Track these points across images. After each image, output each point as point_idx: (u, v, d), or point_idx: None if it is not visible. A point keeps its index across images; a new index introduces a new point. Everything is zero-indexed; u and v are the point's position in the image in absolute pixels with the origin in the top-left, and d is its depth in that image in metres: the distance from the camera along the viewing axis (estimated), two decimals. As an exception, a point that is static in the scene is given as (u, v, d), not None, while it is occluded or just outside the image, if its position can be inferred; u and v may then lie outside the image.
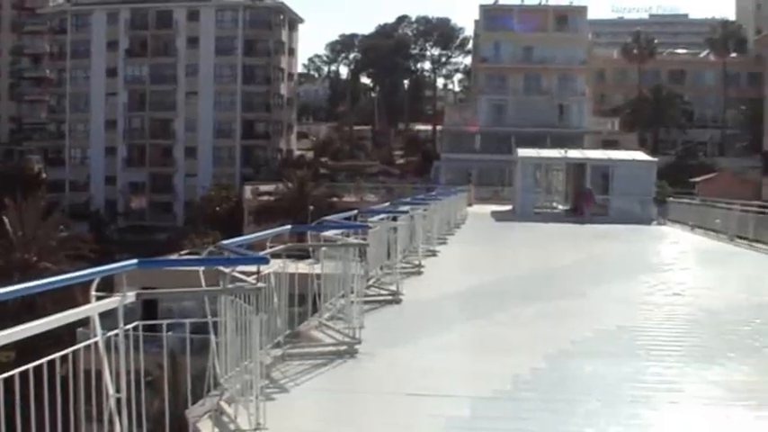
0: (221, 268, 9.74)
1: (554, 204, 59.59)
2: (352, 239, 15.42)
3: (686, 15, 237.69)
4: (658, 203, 54.61)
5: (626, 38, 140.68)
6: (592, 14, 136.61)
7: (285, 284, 13.02)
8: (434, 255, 27.02)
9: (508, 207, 59.97)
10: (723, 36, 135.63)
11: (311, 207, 74.57)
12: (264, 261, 10.76)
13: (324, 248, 14.84)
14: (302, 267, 14.96)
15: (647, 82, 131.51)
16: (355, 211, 19.75)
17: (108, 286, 9.03)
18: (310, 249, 15.59)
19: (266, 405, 9.27)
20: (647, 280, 23.33)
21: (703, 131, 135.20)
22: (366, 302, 15.89)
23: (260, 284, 9.70)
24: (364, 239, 16.60)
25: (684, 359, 13.52)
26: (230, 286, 9.39)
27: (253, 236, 13.78)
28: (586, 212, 49.73)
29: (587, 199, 50.93)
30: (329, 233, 15.31)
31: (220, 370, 9.91)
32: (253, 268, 11.02)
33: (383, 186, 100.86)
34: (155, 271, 17.11)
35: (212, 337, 9.97)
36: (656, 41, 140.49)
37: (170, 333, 11.26)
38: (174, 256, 45.16)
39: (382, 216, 20.62)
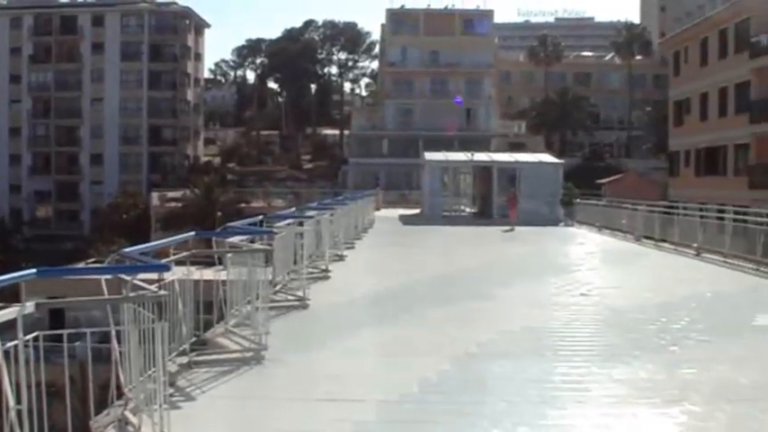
0: (123, 276, 9.63)
1: (462, 207, 59.85)
2: (257, 245, 15.37)
3: (592, 19, 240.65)
4: (565, 205, 55.17)
5: (532, 41, 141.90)
6: (498, 18, 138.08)
7: (190, 292, 12.91)
8: (342, 259, 27.02)
9: (416, 210, 60.16)
10: (628, 39, 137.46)
11: (219, 213, 74.27)
12: (165, 268, 10.64)
13: (229, 255, 14.74)
14: (208, 274, 14.86)
15: (553, 85, 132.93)
16: (261, 217, 19.68)
17: (16, 297, 8.87)
18: (215, 256, 15.49)
19: (171, 414, 9.18)
20: (555, 281, 23.58)
21: (609, 133, 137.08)
22: (273, 308, 15.82)
23: (162, 292, 9.59)
24: (270, 245, 16.55)
25: (591, 359, 13.69)
26: (131, 295, 9.27)
27: (156, 243, 13.64)
28: (514, 217, 47.26)
29: (512, 203, 48.35)
30: (234, 239, 15.24)
31: (124, 379, 9.80)
32: (158, 276, 10.94)
33: (291, 191, 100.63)
34: (63, 280, 16.91)
35: (115, 346, 9.85)
36: (562, 45, 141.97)
37: (78, 343, 11.12)
38: (80, 265, 44.63)
39: (289, 221, 20.57)
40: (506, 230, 44.06)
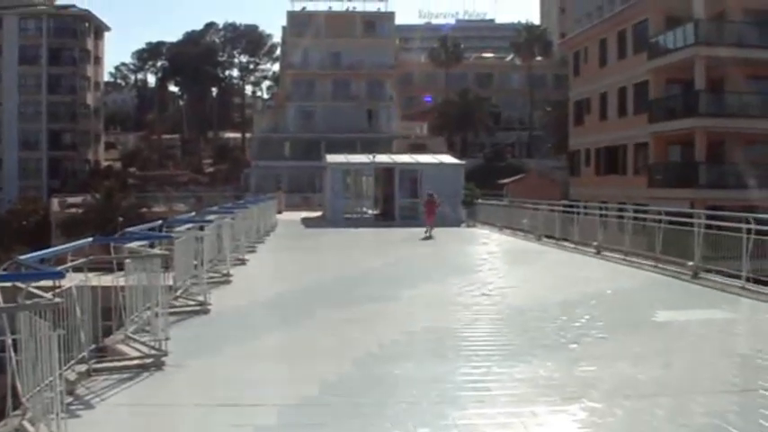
0: (18, 284, 9.50)
1: (364, 209, 59.86)
2: (155, 251, 15.23)
3: (492, 20, 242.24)
4: (467, 205, 55.48)
5: (433, 43, 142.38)
6: (399, 20, 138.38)
7: (88, 298, 12.76)
8: (243, 263, 26.95)
9: (319, 213, 60.15)
10: (528, 40, 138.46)
11: (120, 218, 73.43)
12: (60, 275, 10.52)
13: (128, 260, 14.61)
14: (107, 280, 14.74)
15: (454, 86, 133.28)
16: (160, 222, 19.52)
17: None
18: (114, 262, 15.34)
19: (70, 422, 9.12)
20: (456, 281, 23.75)
21: (511, 133, 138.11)
22: (173, 314, 15.77)
23: (57, 300, 9.48)
24: (169, 250, 16.44)
25: (492, 358, 13.80)
26: (26, 303, 9.15)
27: (54, 249, 13.43)
28: (431, 222, 43.80)
29: (430, 207, 44.85)
30: (133, 244, 15.11)
31: (22, 389, 9.66)
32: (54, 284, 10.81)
33: (193, 195, 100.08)
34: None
35: (11, 355, 9.70)
36: (462, 46, 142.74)
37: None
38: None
39: (189, 225, 20.45)
40: (424, 237, 41.87)
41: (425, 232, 42.72)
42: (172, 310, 15.85)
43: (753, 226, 21.31)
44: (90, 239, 14.90)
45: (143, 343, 13.64)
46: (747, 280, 21.42)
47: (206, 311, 17.67)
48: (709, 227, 24.17)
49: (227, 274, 22.87)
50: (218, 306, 18.06)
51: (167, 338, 13.35)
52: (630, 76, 65.26)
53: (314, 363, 13.56)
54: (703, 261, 23.96)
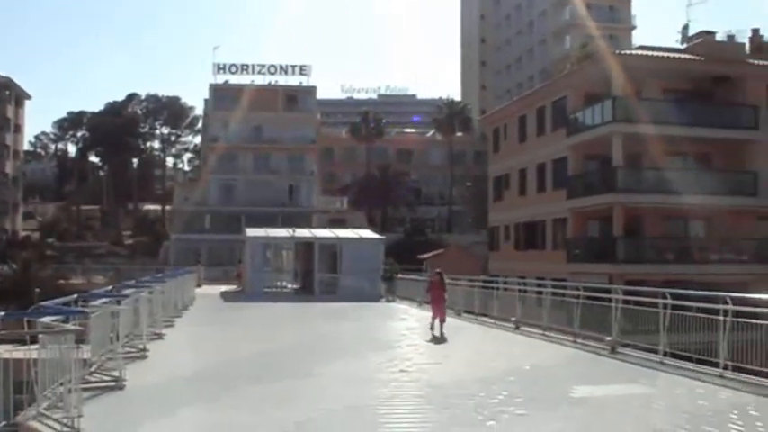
0: None
1: (284, 283, 59.65)
2: (69, 326, 14.99)
3: (414, 96, 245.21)
4: (387, 280, 55.42)
5: (355, 117, 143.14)
6: (321, 94, 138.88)
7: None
8: (161, 338, 26.65)
9: (238, 287, 59.83)
10: (449, 116, 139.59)
11: (37, 289, 72.36)
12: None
13: (41, 335, 14.36)
14: (19, 354, 14.47)
15: (375, 161, 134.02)
16: (75, 296, 19.23)
17: None
18: (27, 336, 15.06)
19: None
20: (375, 357, 23.65)
21: (431, 208, 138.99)
22: (87, 389, 15.50)
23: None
24: (83, 325, 16.19)
25: (409, 436, 13.70)
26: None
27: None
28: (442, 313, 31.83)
29: (438, 291, 32.56)
30: (45, 319, 14.85)
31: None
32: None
33: (112, 268, 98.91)
34: None
35: None
36: (384, 121, 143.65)
37: None
38: None
39: (105, 300, 20.19)
40: (431, 338, 29.89)
41: (431, 328, 31.32)
42: (86, 385, 15.59)
43: (669, 301, 21.55)
44: (2, 314, 14.67)
45: (56, 420, 13.36)
46: (665, 354, 21.64)
47: (121, 387, 17.39)
48: (626, 302, 24.39)
49: (144, 349, 22.56)
50: (133, 382, 17.77)
51: (80, 415, 13.11)
52: (549, 153, 65.93)
53: (230, 440, 13.39)
54: (621, 336, 24.17)
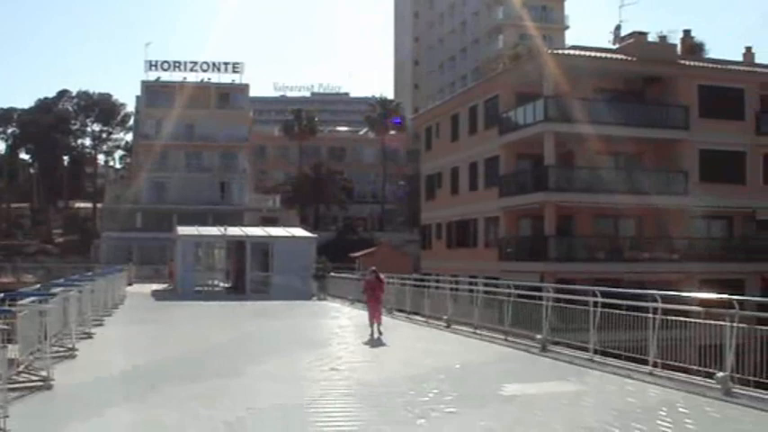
0: None
1: (216, 282, 59.39)
2: (-6, 325, 14.79)
3: (347, 94, 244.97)
4: (319, 279, 55.37)
5: (288, 116, 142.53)
6: (254, 92, 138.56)
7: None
8: (90, 337, 26.43)
9: (169, 286, 59.45)
10: (382, 114, 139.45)
11: (-36, 289, 71.46)
12: None
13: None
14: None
15: (307, 159, 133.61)
16: (2, 295, 18.98)
17: None
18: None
19: None
20: (305, 356, 23.59)
21: (364, 207, 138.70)
22: (14, 389, 15.32)
23: None
24: (10, 324, 15.98)
25: (337, 434, 13.66)
26: None
27: None
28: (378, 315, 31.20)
29: (375, 292, 31.84)
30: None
31: None
32: None
33: (42, 266, 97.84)
34: None
35: None
36: (317, 119, 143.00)
37: None
38: None
39: (33, 299, 19.96)
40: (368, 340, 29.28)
41: (370, 330, 30.60)
42: (13, 385, 15.40)
43: (599, 299, 21.73)
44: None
45: (-19, 421, 13.19)
46: (595, 352, 21.81)
47: (49, 387, 17.20)
48: (557, 300, 24.56)
49: (73, 349, 22.33)
50: (61, 381, 17.60)
51: (6, 416, 12.96)
52: (481, 151, 66.13)
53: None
54: (552, 334, 24.33)
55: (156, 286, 59.89)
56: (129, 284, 57.56)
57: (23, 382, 17.24)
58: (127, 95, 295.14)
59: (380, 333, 29.84)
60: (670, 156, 59.98)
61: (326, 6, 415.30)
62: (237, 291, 55.02)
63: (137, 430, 14.09)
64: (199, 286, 55.58)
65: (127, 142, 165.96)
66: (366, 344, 27.86)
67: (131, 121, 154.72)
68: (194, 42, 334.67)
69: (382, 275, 33.37)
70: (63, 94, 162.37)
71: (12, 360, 16.41)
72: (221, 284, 59.47)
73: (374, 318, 30.70)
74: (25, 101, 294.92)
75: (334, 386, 18.67)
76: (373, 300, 31.36)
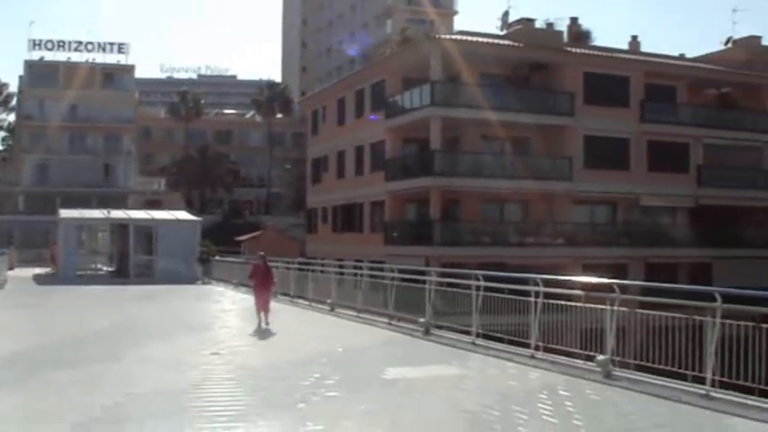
0: None
1: (99, 266, 58.60)
2: None
3: (234, 77, 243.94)
4: (203, 262, 55.03)
5: (175, 97, 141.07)
6: (140, 73, 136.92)
7: None
8: (-34, 322, 25.87)
9: (52, 270, 58.47)
10: (269, 97, 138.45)
11: None
12: None
13: None
14: None
15: (193, 142, 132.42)
16: None
17: None
18: None
19: None
20: (187, 340, 23.45)
21: (250, 190, 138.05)
22: None
23: None
24: None
25: (218, 419, 13.52)
26: None
27: None
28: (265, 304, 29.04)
29: (263, 278, 29.68)
30: None
31: None
32: None
33: None
34: None
35: None
36: (203, 102, 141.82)
37: None
38: None
39: None
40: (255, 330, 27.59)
41: (257, 319, 28.69)
42: None
43: (482, 283, 21.86)
44: None
45: None
46: (477, 336, 21.94)
47: None
48: (440, 284, 24.68)
49: (-54, 334, 21.85)
50: (-69, 368, 17.14)
51: None
52: (368, 136, 66.32)
53: (32, 427, 13.02)
54: (435, 318, 24.42)
55: (38, 270, 58.84)
56: (11, 269, 56.52)
57: None
58: (9, 75, 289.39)
59: (267, 324, 28.03)
60: (556, 142, 60.82)
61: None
62: (121, 275, 54.32)
63: (14, 416, 13.75)
64: (81, 270, 54.81)
65: (9, 123, 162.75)
66: (249, 328, 27.63)
67: (14, 102, 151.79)
68: (80, 22, 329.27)
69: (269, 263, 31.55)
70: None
71: None
72: (105, 268, 58.72)
73: (261, 307, 28.80)
74: None
75: (214, 371, 18.47)
76: (260, 287, 29.27)
